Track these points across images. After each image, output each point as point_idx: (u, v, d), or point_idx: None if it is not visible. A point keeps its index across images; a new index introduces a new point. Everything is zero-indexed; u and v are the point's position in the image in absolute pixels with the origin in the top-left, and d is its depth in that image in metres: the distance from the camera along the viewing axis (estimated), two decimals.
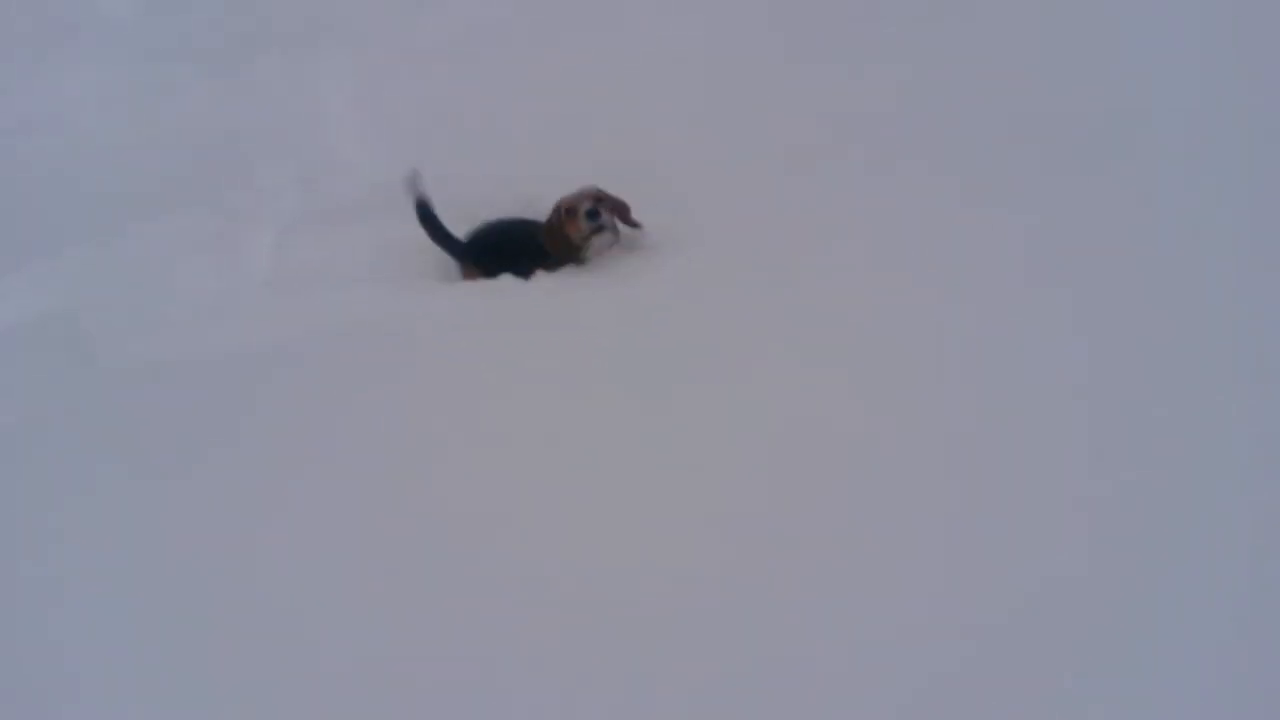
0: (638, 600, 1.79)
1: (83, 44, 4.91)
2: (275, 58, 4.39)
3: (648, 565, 1.86)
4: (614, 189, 3.08)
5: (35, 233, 3.62)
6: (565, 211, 3.01)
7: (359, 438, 2.33)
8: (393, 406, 2.43)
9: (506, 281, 3.03)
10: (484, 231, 3.24)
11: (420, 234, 3.20)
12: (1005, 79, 3.33)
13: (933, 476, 1.96)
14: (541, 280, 3.02)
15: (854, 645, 1.67)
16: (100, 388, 2.73)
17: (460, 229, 3.23)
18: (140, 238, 3.50)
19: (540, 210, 3.14)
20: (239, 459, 2.33)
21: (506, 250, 3.15)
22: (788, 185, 3.10)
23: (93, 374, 2.80)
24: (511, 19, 4.40)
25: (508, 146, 3.73)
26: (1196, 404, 2.00)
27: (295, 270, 3.16)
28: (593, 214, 2.95)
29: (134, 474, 2.34)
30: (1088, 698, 1.53)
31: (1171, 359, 2.12)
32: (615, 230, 3.06)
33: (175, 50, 4.62)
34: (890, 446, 2.05)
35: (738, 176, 3.20)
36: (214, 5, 4.92)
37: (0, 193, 3.84)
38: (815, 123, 3.35)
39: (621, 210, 3.07)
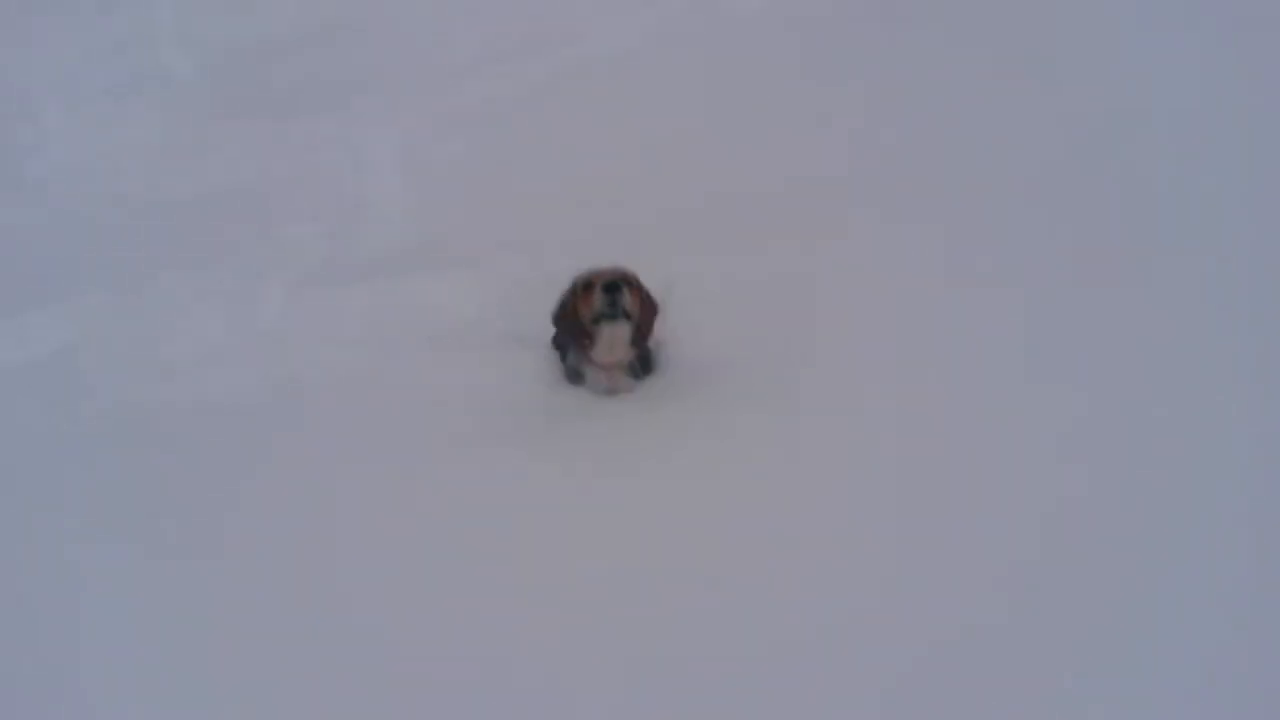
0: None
1: (142, 99, 5.11)
2: (315, 115, 4.49)
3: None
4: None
5: (51, 278, 3.70)
6: (582, 286, 2.51)
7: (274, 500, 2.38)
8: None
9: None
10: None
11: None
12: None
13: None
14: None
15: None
16: (90, 426, 2.76)
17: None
18: (155, 287, 3.56)
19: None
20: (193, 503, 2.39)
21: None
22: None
23: (88, 411, 2.82)
24: (544, 86, 4.44)
25: (535, 212, 3.74)
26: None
27: (302, 325, 3.16)
28: (613, 289, 2.40)
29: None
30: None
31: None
32: (631, 323, 2.49)
33: (223, 106, 4.76)
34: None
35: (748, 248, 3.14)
36: (267, 63, 5.07)
37: (23, 238, 3.93)
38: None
39: (648, 311, 2.55)
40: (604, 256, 2.93)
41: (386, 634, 1.92)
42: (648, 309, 2.55)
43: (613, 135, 3.92)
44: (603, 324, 2.45)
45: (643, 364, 2.69)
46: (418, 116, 4.41)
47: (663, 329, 2.69)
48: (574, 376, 2.72)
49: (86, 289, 3.54)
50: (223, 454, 2.60)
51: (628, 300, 2.43)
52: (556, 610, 1.93)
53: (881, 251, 2.98)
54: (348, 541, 2.23)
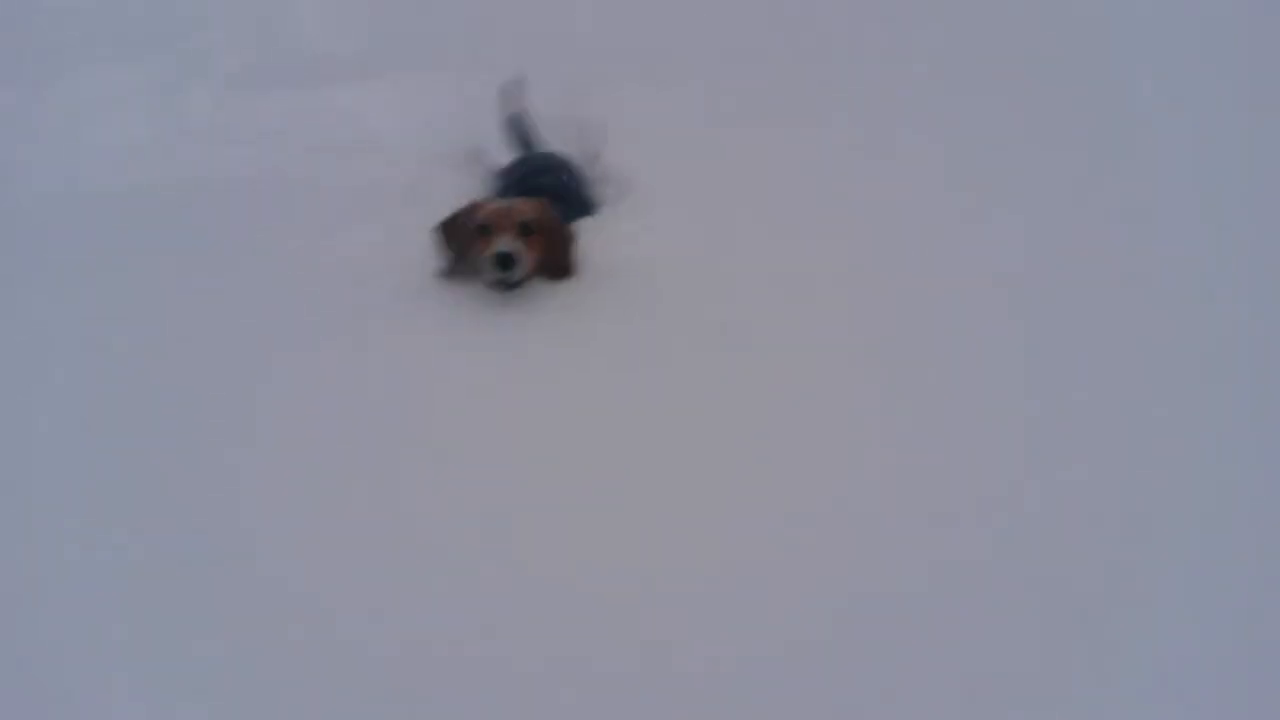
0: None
1: None
2: None
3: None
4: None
5: None
6: (479, 224, 2.34)
7: None
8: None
9: None
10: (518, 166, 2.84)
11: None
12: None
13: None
14: None
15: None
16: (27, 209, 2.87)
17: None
18: (74, 82, 3.57)
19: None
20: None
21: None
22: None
23: (22, 196, 2.93)
24: None
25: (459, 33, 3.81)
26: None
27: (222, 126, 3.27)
28: (505, 261, 2.28)
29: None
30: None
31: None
32: (524, 276, 2.35)
33: None
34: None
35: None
36: None
37: None
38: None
39: (555, 241, 2.40)
40: (535, 80, 3.11)
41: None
42: (555, 240, 2.42)
43: None
44: (489, 270, 2.33)
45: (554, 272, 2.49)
46: None
47: (578, 255, 2.49)
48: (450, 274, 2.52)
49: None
50: (140, 239, 2.70)
51: (521, 265, 2.32)
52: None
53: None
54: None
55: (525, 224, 2.35)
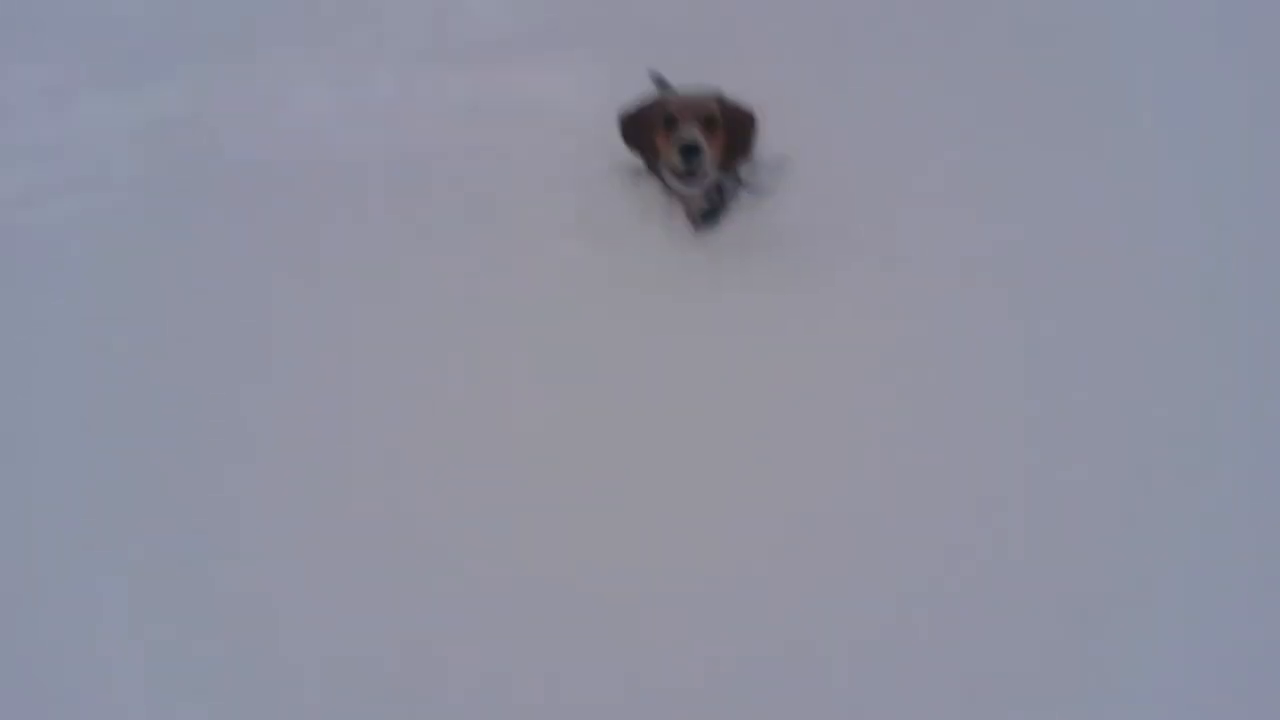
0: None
1: None
2: None
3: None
4: None
5: (161, 52, 3.78)
6: (663, 119, 2.36)
7: None
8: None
9: None
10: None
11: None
12: None
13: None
14: None
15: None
16: (221, 181, 2.95)
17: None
18: (266, 61, 3.67)
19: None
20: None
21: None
22: None
23: (216, 168, 3.01)
24: None
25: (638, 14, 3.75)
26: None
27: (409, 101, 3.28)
28: (690, 153, 2.28)
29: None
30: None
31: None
32: (707, 178, 2.39)
33: None
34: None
35: None
36: None
37: (125, 12, 3.99)
38: None
39: (741, 127, 2.40)
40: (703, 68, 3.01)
41: None
42: (740, 124, 2.41)
43: None
44: (674, 173, 2.36)
45: (717, 201, 2.55)
46: None
47: (760, 147, 2.50)
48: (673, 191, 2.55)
49: (197, 61, 3.65)
50: (333, 208, 2.78)
51: (706, 161, 2.31)
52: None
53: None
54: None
55: (710, 117, 2.34)
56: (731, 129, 2.39)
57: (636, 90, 3.22)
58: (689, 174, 2.33)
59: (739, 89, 2.54)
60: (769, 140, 2.57)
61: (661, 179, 2.53)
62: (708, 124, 2.33)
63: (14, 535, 1.90)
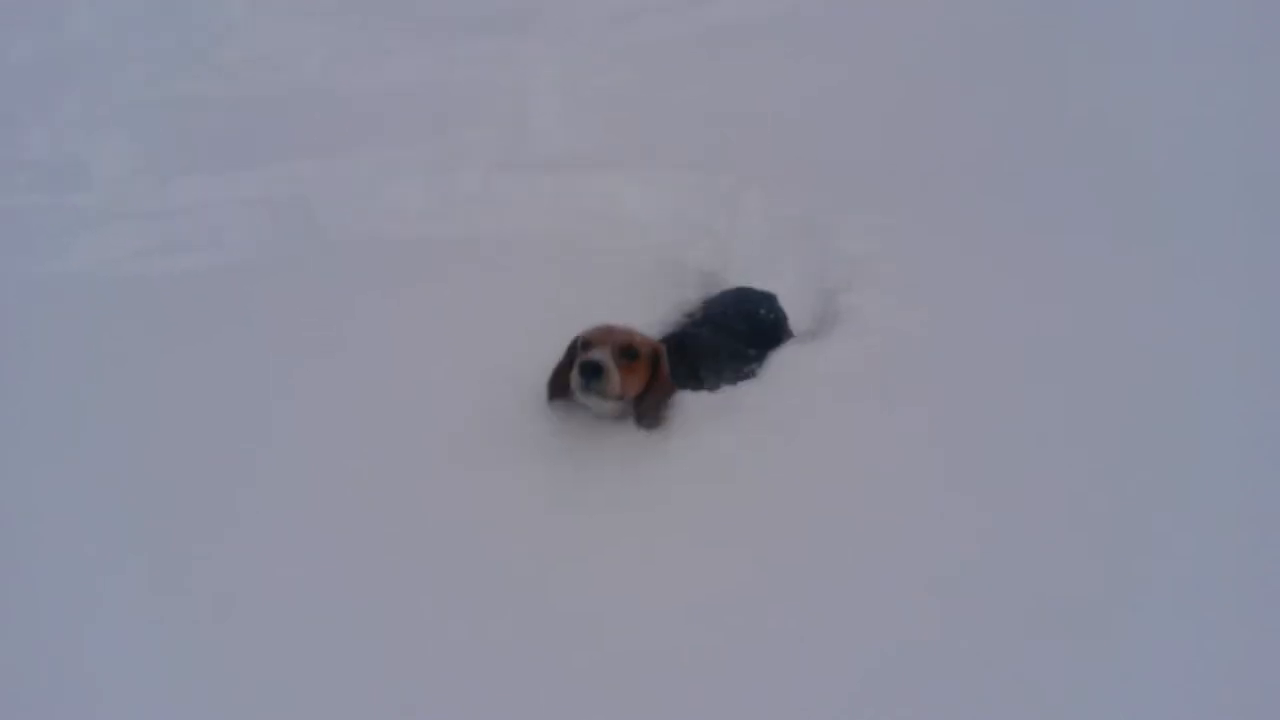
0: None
1: None
2: (484, 35, 4.99)
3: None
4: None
5: (256, 146, 4.15)
6: (580, 346, 2.39)
7: None
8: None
9: None
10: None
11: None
12: None
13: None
14: None
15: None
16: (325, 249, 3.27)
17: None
18: (355, 158, 4.04)
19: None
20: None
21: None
22: None
23: (320, 240, 3.34)
24: (692, 36, 4.92)
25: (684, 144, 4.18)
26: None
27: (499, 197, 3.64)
28: (589, 370, 2.25)
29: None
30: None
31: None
32: (615, 399, 2.33)
33: (398, 16, 5.24)
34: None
35: None
36: None
37: (220, 111, 4.39)
38: None
39: (655, 386, 2.39)
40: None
41: None
42: (656, 387, 2.41)
43: (770, 87, 4.36)
44: (579, 393, 2.34)
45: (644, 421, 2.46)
46: (580, 49, 4.88)
47: (670, 409, 2.46)
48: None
49: (292, 157, 4.02)
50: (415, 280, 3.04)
51: (610, 382, 2.27)
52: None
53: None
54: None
55: (627, 348, 2.34)
56: (652, 382, 2.39)
57: (695, 208, 3.65)
58: (585, 390, 2.29)
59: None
60: None
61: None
62: (624, 354, 2.33)
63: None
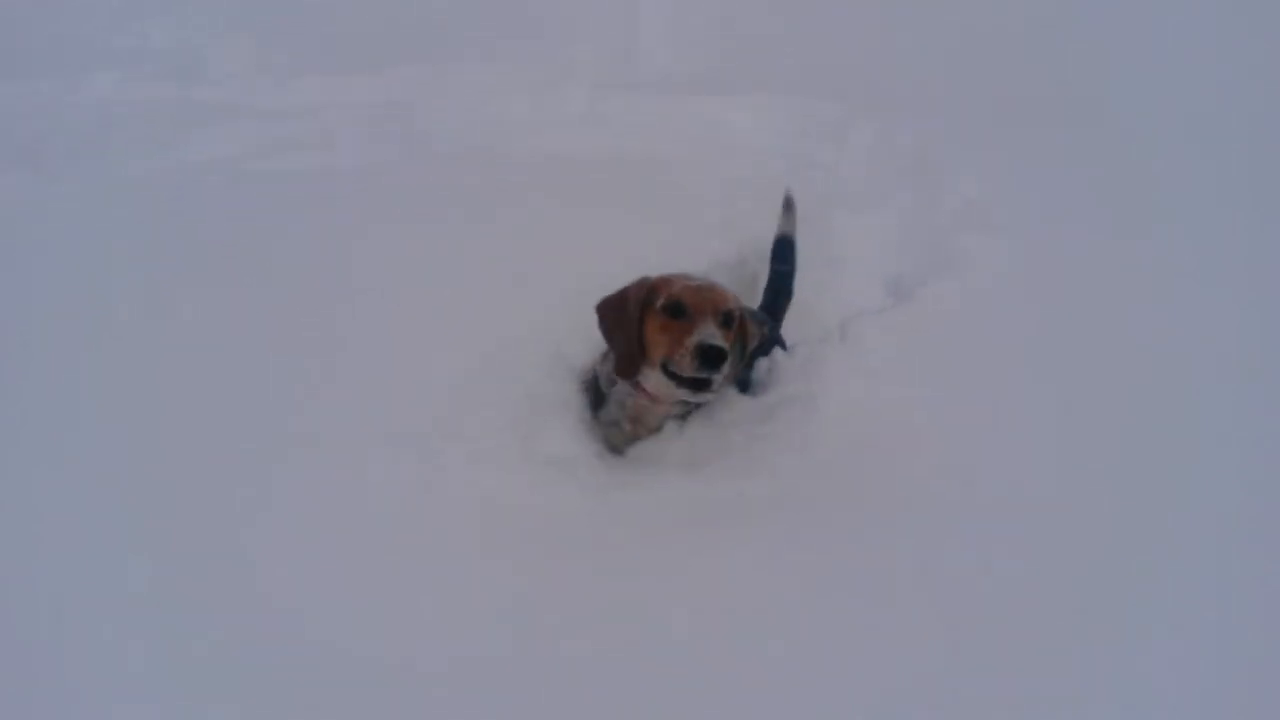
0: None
1: None
2: None
3: None
4: None
5: (369, 50, 4.18)
6: (665, 304, 1.80)
7: None
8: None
9: None
10: None
11: None
12: None
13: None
14: None
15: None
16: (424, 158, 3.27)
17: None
18: (462, 68, 4.05)
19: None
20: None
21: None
22: None
23: (422, 149, 3.35)
24: None
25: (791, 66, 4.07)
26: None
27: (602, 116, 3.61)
28: (710, 356, 1.69)
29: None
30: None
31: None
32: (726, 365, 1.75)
33: None
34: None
35: None
36: None
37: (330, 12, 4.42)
38: None
39: (743, 345, 1.90)
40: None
41: None
42: (746, 336, 1.92)
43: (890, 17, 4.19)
44: (678, 387, 1.79)
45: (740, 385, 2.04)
46: None
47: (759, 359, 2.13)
48: (599, 393, 2.07)
49: (402, 61, 4.06)
50: (529, 194, 2.96)
51: (725, 371, 1.73)
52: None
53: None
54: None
55: (729, 313, 1.80)
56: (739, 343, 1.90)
57: (797, 135, 3.54)
58: (696, 386, 1.76)
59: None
60: None
61: (599, 388, 2.05)
62: (725, 322, 1.80)
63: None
